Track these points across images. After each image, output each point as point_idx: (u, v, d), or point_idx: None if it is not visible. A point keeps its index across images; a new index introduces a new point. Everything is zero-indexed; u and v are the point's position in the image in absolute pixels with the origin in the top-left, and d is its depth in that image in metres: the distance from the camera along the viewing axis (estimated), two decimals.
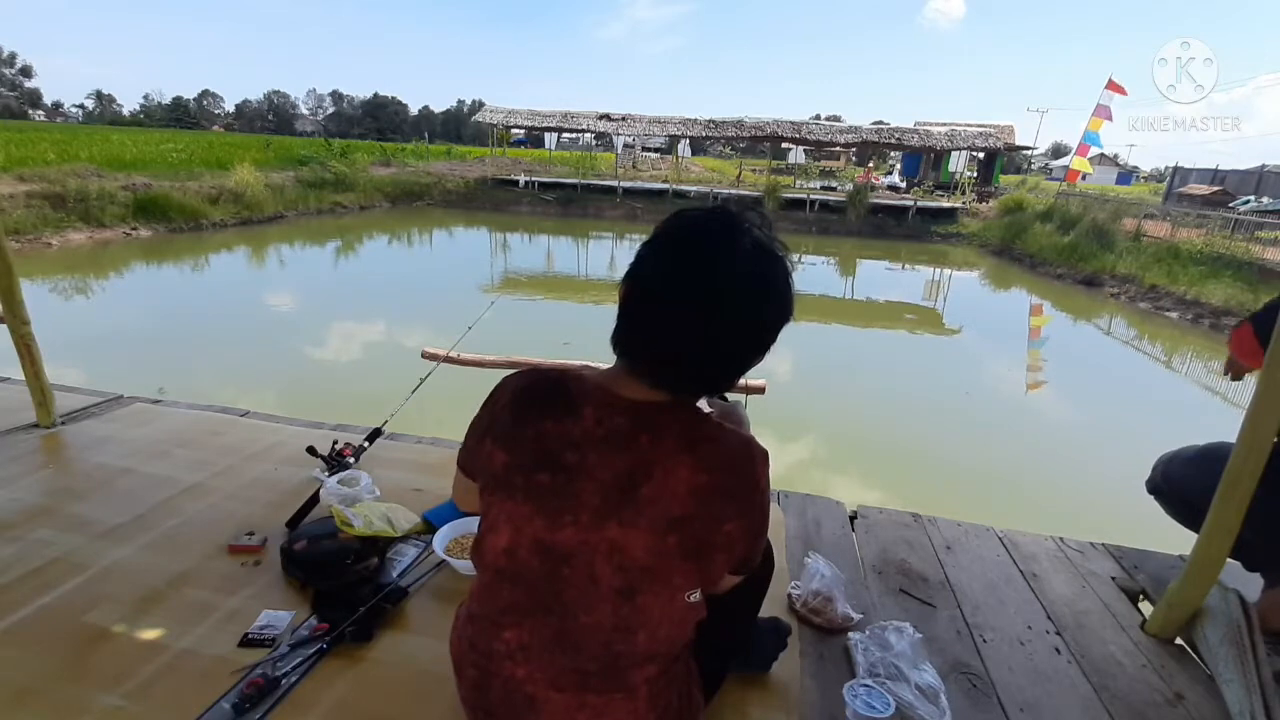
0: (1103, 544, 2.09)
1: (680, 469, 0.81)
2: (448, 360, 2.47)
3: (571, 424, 0.85)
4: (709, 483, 0.82)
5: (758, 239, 0.83)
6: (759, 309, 0.82)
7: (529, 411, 0.88)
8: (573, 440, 0.84)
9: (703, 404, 1.14)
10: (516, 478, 0.86)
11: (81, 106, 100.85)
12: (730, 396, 1.32)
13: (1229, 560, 1.52)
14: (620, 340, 0.85)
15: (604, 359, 0.96)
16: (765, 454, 0.88)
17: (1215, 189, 24.23)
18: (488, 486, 0.90)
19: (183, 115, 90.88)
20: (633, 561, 0.82)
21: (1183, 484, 1.71)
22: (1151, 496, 1.85)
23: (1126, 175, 53.36)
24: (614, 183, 22.57)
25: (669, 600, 0.85)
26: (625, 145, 28.66)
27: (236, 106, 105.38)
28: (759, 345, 0.84)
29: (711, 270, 0.79)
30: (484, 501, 0.91)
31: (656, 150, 39.47)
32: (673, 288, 0.80)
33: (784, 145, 25.59)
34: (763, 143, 24.97)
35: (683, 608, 0.86)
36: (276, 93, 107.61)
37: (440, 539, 1.67)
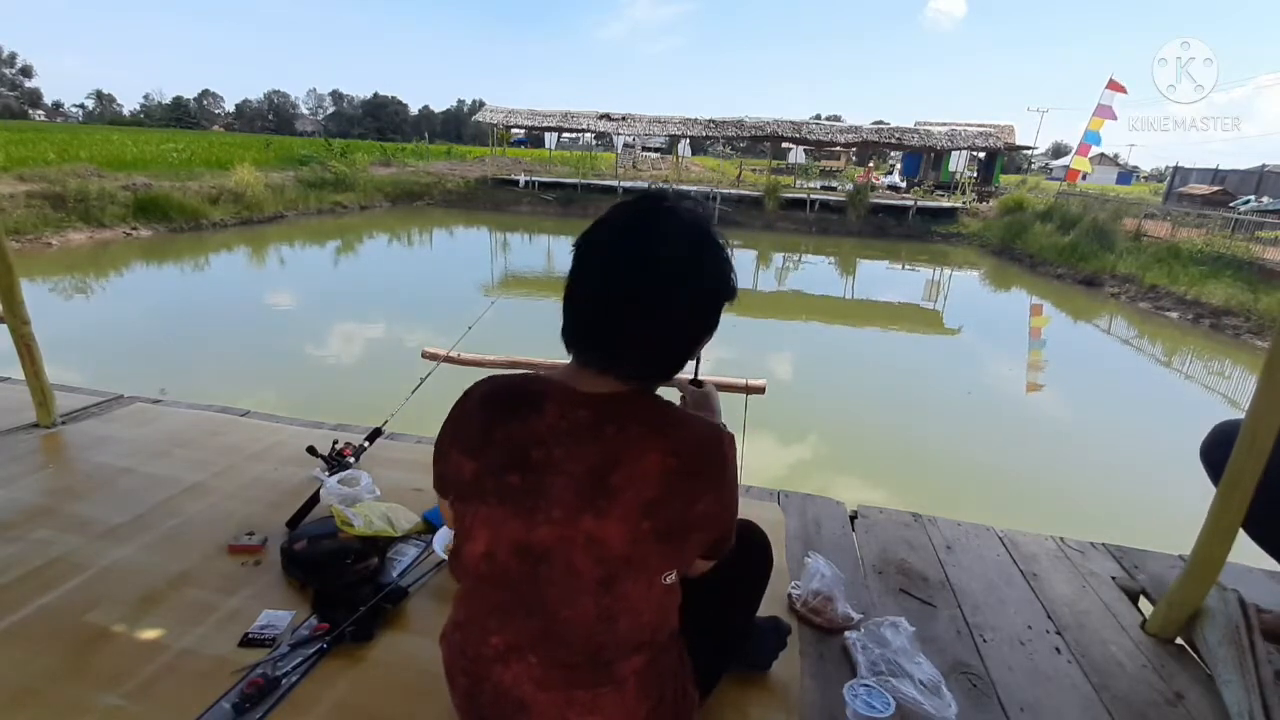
0: (1103, 544, 2.09)
1: (649, 455, 0.82)
2: (448, 360, 2.46)
3: (536, 421, 0.85)
4: (678, 466, 0.82)
5: (688, 222, 0.85)
6: (695, 291, 0.84)
7: (494, 416, 0.88)
8: (539, 437, 0.84)
9: (674, 392, 1.16)
10: (487, 482, 0.86)
11: (82, 106, 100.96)
12: (731, 397, 1.32)
13: (1229, 560, 1.52)
14: (568, 335, 0.87)
15: None
16: (732, 437, 0.90)
17: (1215, 189, 24.22)
18: (459, 497, 0.90)
19: (183, 115, 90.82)
20: (611, 552, 0.82)
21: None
22: (1203, 464, 1.70)
23: (1126, 175, 53.36)
24: (614, 183, 22.56)
25: (648, 585, 0.85)
26: (625, 145, 28.64)
27: (236, 106, 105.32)
28: (702, 326, 0.87)
29: (645, 259, 0.81)
30: (456, 512, 0.91)
31: (656, 150, 39.45)
32: (609, 280, 0.82)
33: (784, 145, 25.56)
34: (763, 143, 24.95)
35: (661, 591, 0.87)
36: (276, 93, 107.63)
37: (440, 539, 1.67)
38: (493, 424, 0.87)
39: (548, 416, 0.85)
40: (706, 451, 0.85)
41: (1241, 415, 1.68)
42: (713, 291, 0.86)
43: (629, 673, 0.89)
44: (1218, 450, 1.70)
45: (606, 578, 0.83)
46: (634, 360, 0.85)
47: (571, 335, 0.87)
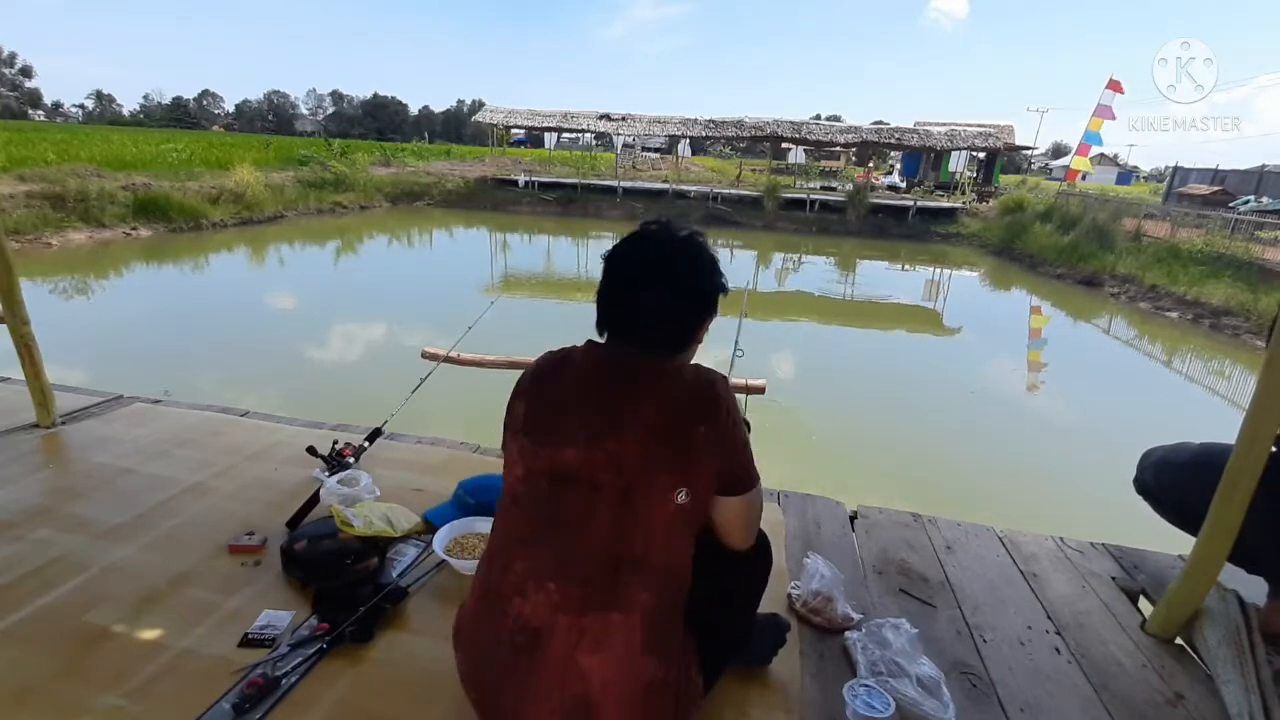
0: (1103, 544, 2.09)
1: (651, 399, 1.03)
2: (448, 360, 2.47)
3: (567, 374, 1.09)
4: (673, 403, 1.03)
5: (675, 239, 1.11)
6: (696, 283, 1.10)
7: (541, 375, 1.12)
8: (567, 386, 1.07)
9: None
10: (529, 421, 1.08)
11: (81, 106, 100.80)
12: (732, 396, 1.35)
13: (1229, 563, 1.52)
14: (598, 322, 1.12)
15: None
16: (724, 379, 1.08)
17: (1215, 189, 24.22)
18: (512, 433, 1.10)
19: (183, 115, 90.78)
20: (628, 463, 0.99)
21: (1182, 490, 1.68)
22: (1140, 496, 1.81)
23: (1126, 175, 53.26)
24: (614, 183, 22.53)
25: (661, 501, 0.99)
26: (625, 145, 28.64)
27: (236, 106, 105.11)
28: (693, 311, 1.11)
29: (643, 261, 1.10)
30: (507, 446, 1.11)
31: (656, 150, 39.46)
32: (619, 279, 1.10)
33: (784, 145, 25.57)
34: (763, 143, 24.95)
35: (673, 511, 1.00)
36: (276, 93, 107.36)
37: (440, 539, 1.67)
38: (542, 379, 1.11)
39: (579, 370, 1.08)
40: (698, 391, 1.04)
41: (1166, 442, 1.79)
42: (712, 288, 1.11)
43: (637, 602, 0.98)
44: (1148, 472, 1.75)
45: (626, 488, 0.99)
46: (656, 337, 1.08)
47: (600, 321, 1.11)
